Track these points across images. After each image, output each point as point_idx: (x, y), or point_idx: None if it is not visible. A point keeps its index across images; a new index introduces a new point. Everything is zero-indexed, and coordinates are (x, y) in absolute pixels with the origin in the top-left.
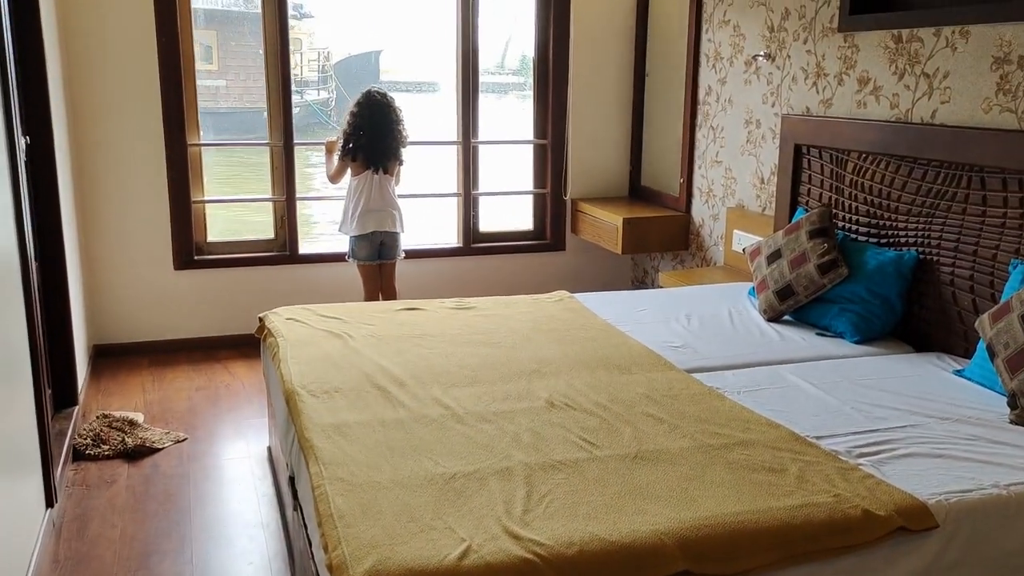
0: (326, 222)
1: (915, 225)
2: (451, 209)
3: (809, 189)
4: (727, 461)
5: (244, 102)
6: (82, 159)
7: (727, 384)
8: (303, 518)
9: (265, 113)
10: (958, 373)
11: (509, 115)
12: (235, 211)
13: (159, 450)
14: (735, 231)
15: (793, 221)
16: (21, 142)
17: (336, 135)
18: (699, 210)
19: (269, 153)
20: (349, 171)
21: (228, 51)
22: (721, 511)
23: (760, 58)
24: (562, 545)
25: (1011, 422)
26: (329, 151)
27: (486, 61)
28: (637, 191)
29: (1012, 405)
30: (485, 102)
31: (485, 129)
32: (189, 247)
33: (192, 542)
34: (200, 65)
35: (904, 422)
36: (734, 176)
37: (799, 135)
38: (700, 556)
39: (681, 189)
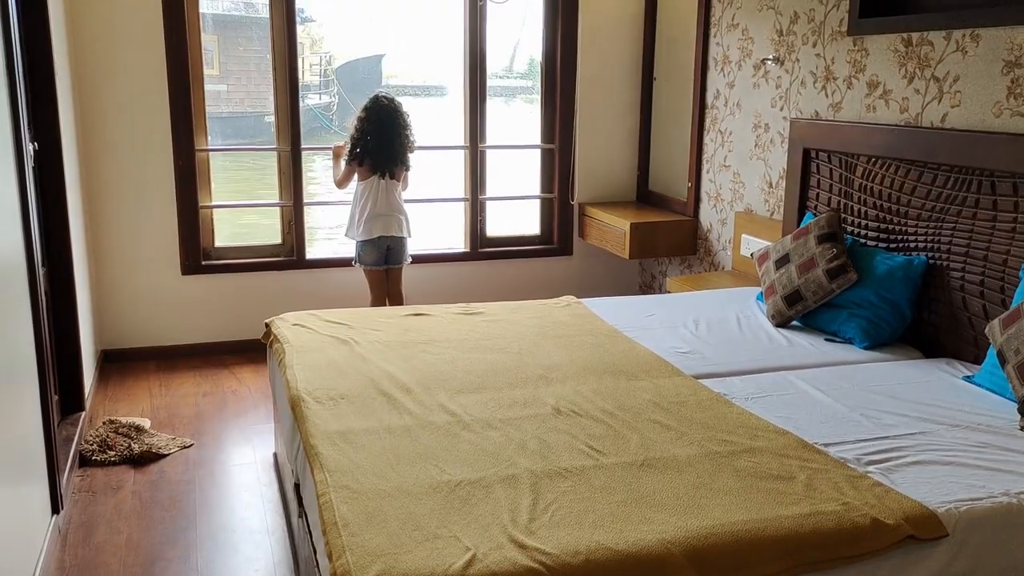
0: (325, 227)
1: (925, 230)
2: (458, 214)
3: (818, 194)
4: (735, 469)
5: (245, 106)
6: (90, 164)
7: (735, 390)
8: (308, 525)
9: (267, 118)
10: (968, 379)
11: (517, 119)
12: (242, 215)
13: (165, 456)
14: (743, 235)
15: (802, 226)
16: (29, 148)
17: (343, 140)
18: (707, 215)
19: (277, 158)
20: (356, 176)
21: (229, 55)
22: (728, 519)
23: (769, 62)
24: (568, 554)
25: (1022, 429)
26: (336, 156)
27: (494, 65)
28: (645, 195)
29: (1023, 412)
30: (493, 106)
31: (493, 133)
32: (197, 252)
33: (198, 549)
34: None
35: (913, 429)
36: (742, 180)
37: (808, 139)
38: (707, 565)
39: (689, 193)
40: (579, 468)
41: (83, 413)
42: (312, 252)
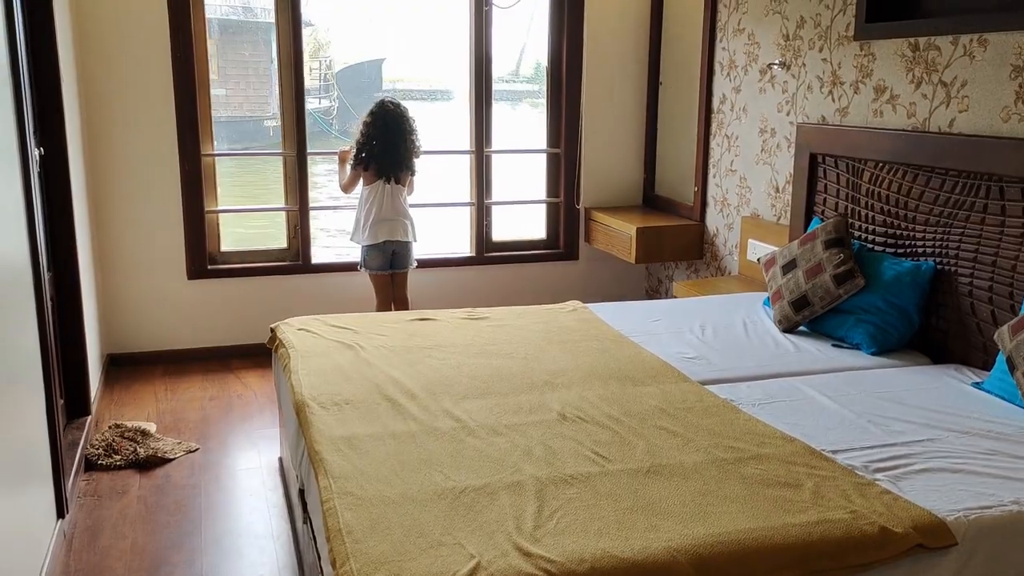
0: (323, 234)
1: (933, 235)
2: (464, 218)
3: (825, 198)
4: (741, 476)
5: (244, 111)
6: (97, 169)
7: (741, 396)
8: (313, 531)
9: (266, 122)
10: (977, 386)
11: (523, 123)
12: (247, 219)
13: (171, 460)
14: (750, 240)
15: (809, 231)
16: (35, 153)
17: (349, 144)
18: (713, 219)
19: (282, 163)
20: (361, 180)
21: (227, 60)
22: (735, 527)
23: (775, 66)
24: (573, 562)
25: None
26: (342, 161)
27: (501, 69)
28: (651, 200)
29: None
30: (499, 110)
31: (499, 137)
32: (203, 256)
33: (202, 554)
34: None
35: (922, 436)
36: (749, 185)
37: (814, 144)
38: (713, 573)
39: (695, 198)
40: (585, 475)
41: (89, 417)
42: (315, 257)
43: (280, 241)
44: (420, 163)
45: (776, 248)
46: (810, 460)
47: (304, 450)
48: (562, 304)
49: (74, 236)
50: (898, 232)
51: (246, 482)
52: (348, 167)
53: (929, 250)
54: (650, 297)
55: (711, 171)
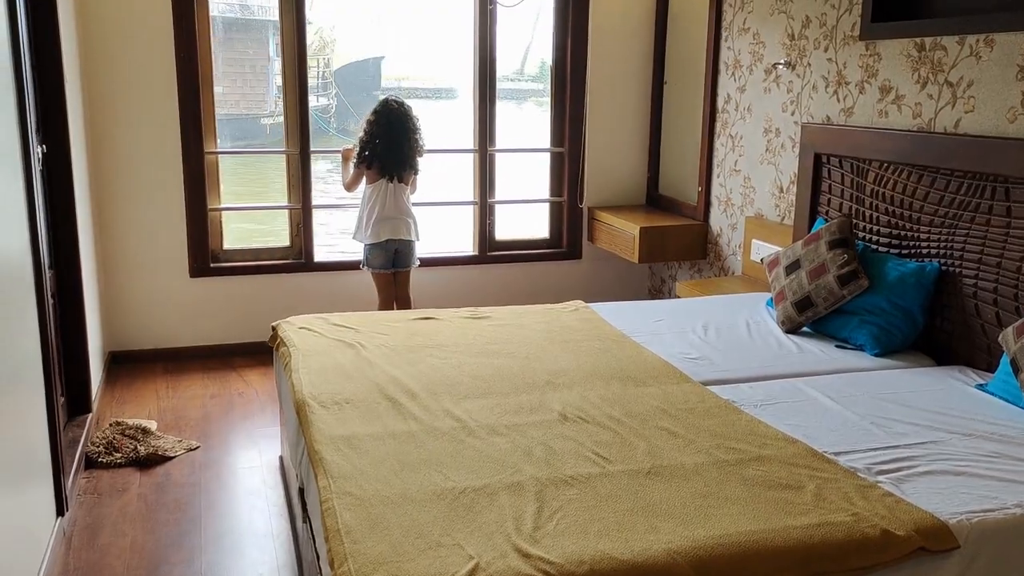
0: (322, 233)
1: (937, 236)
2: (467, 217)
3: (829, 199)
4: (743, 477)
5: (241, 108)
6: (100, 166)
7: (744, 397)
8: (312, 530)
9: (262, 120)
10: (981, 387)
11: (528, 122)
12: (248, 218)
13: (171, 458)
14: (753, 240)
15: (813, 231)
16: (37, 151)
17: (352, 143)
18: (717, 219)
19: (285, 161)
20: (364, 179)
21: (224, 58)
22: (736, 530)
23: (780, 66)
24: (572, 564)
25: None
26: (345, 159)
27: (506, 68)
28: (654, 200)
29: None
30: (504, 109)
31: (503, 136)
32: (205, 254)
33: (202, 552)
34: None
35: (925, 438)
36: (753, 185)
37: (819, 144)
38: None
39: (699, 198)
40: (585, 476)
41: (90, 415)
42: (317, 255)
43: (283, 239)
44: (423, 162)
45: (780, 248)
46: (812, 462)
47: (304, 449)
48: (564, 304)
49: (76, 234)
50: (903, 233)
51: (247, 481)
52: (351, 166)
53: (934, 251)
54: (653, 297)
55: (715, 171)
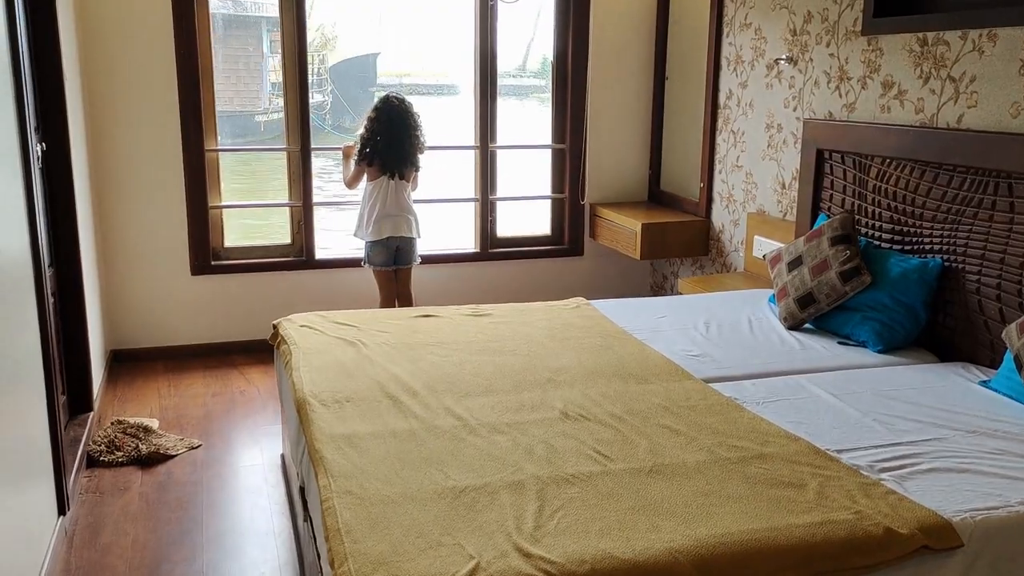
0: (319, 231)
1: (940, 232)
2: (468, 214)
3: (831, 195)
4: (744, 475)
5: (235, 105)
6: (100, 164)
7: (746, 395)
8: (313, 529)
9: (256, 117)
10: (984, 384)
11: (529, 118)
12: (249, 215)
13: (173, 457)
14: (756, 237)
15: (815, 227)
16: (36, 149)
17: (353, 140)
18: (719, 215)
19: (286, 158)
20: (365, 176)
21: (219, 55)
22: (738, 528)
23: (782, 62)
24: (573, 563)
25: None
26: (346, 156)
27: (507, 64)
28: (656, 196)
29: None
30: (506, 105)
31: (505, 133)
32: (206, 252)
33: (203, 551)
34: None
35: (928, 435)
36: (755, 181)
37: (821, 140)
38: (715, 575)
39: (701, 194)
40: (586, 474)
41: (91, 413)
42: (319, 253)
43: (284, 237)
44: (424, 158)
45: (782, 245)
46: (814, 460)
47: (305, 448)
48: (566, 301)
49: (76, 231)
50: (905, 229)
51: (248, 479)
52: (352, 163)
53: (936, 247)
54: (655, 293)
55: (717, 167)
